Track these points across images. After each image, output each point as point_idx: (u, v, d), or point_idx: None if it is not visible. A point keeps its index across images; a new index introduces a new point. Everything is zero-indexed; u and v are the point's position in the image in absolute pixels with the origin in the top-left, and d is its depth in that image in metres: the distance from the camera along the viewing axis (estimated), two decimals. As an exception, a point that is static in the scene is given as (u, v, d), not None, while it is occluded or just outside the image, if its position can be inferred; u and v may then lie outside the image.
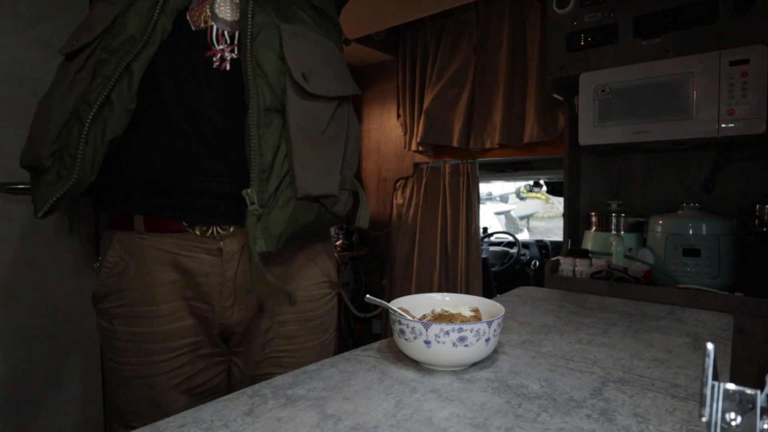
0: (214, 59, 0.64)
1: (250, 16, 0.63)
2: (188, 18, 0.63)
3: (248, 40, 0.62)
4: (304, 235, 0.69)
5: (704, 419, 0.29)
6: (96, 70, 0.59)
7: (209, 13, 0.64)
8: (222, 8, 0.65)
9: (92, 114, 0.57)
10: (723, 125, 1.21)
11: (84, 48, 0.60)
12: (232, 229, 0.67)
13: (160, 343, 0.67)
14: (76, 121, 0.58)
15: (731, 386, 0.28)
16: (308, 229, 0.68)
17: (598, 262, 1.44)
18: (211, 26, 0.64)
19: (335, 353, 0.65)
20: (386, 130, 2.79)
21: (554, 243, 3.26)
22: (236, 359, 0.75)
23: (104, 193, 0.68)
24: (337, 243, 2.63)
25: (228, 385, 0.77)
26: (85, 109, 0.57)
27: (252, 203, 0.61)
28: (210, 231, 0.66)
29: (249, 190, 0.61)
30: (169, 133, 0.64)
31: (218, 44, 0.64)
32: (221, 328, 0.71)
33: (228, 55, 0.65)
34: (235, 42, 0.65)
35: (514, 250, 3.14)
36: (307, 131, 0.65)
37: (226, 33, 0.65)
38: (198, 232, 0.66)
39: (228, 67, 0.65)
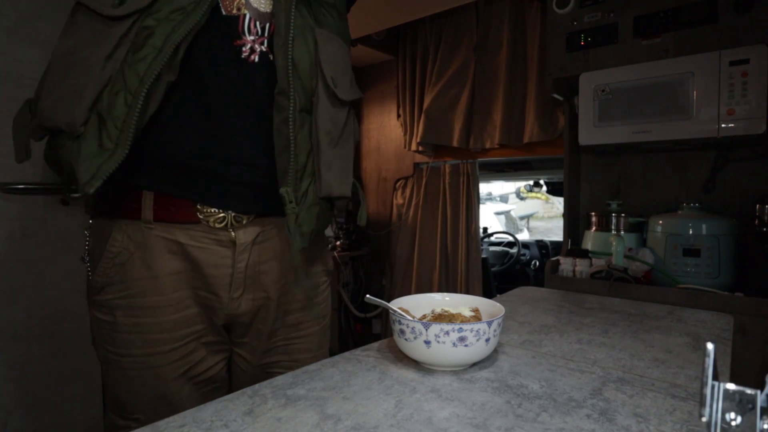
0: (244, 49, 0.63)
1: (292, 18, 0.63)
2: (221, 7, 0.61)
3: (290, 42, 0.62)
4: (321, 232, 0.72)
5: (704, 419, 0.29)
6: (143, 38, 0.56)
7: (243, 1, 0.62)
8: None
9: (147, 88, 0.55)
10: (723, 125, 1.21)
11: (137, 12, 0.56)
12: (245, 221, 0.67)
13: (166, 333, 0.66)
14: (123, 90, 0.55)
15: (731, 386, 0.28)
16: (324, 227, 0.71)
17: (598, 262, 1.44)
18: (244, 14, 0.63)
19: (335, 353, 0.65)
20: (386, 130, 2.79)
21: (554, 243, 3.26)
22: (240, 350, 0.75)
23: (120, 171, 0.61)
24: (338, 243, 2.63)
25: (228, 375, 0.77)
26: (135, 81, 0.55)
27: (290, 201, 0.63)
28: (224, 222, 0.66)
29: (287, 189, 0.62)
30: (206, 115, 0.63)
31: (249, 35, 0.63)
32: (227, 319, 0.71)
33: (257, 47, 0.64)
34: (266, 35, 0.64)
35: (514, 250, 3.14)
36: (331, 134, 0.67)
37: (258, 24, 0.63)
38: (211, 223, 0.65)
39: (257, 60, 0.64)
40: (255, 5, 0.63)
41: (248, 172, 0.65)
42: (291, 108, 0.62)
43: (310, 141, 0.65)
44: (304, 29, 0.65)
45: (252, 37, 0.64)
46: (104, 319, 0.67)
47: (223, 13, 0.61)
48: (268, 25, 0.64)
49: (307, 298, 0.77)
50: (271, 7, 0.64)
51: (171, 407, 0.67)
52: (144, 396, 0.68)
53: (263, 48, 0.64)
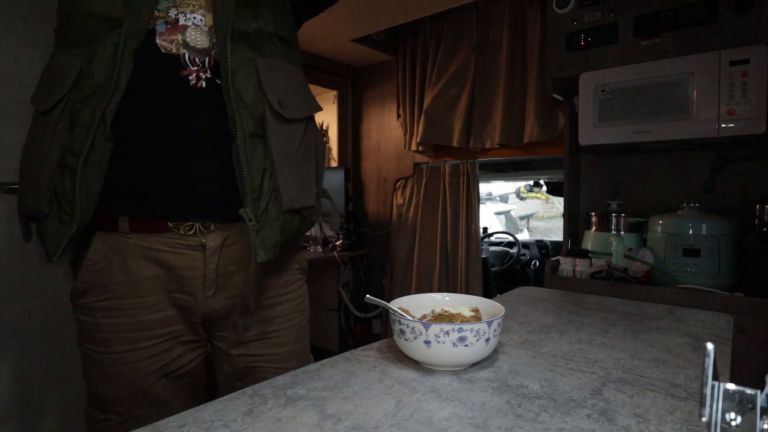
0: (191, 78, 0.69)
1: (229, 54, 0.68)
2: (158, 42, 0.67)
3: (229, 76, 0.68)
4: (292, 241, 0.79)
5: (704, 419, 0.29)
6: (73, 120, 0.64)
7: (181, 41, 0.68)
8: (193, 37, 0.69)
9: (81, 163, 0.63)
10: (723, 125, 1.21)
11: (59, 102, 0.64)
12: (212, 227, 0.73)
13: (145, 331, 0.72)
14: (66, 170, 0.63)
15: (731, 386, 0.28)
16: (294, 236, 0.78)
17: (598, 262, 1.45)
18: (183, 53, 0.69)
19: (335, 353, 0.65)
20: (386, 130, 2.79)
21: (554, 243, 3.26)
22: (219, 343, 0.81)
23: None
24: (338, 243, 2.63)
25: (205, 369, 0.83)
26: (73, 160, 0.63)
27: (250, 220, 0.69)
28: (193, 230, 0.72)
29: (246, 210, 0.69)
30: (165, 142, 0.69)
31: (192, 66, 0.69)
32: (204, 316, 0.76)
33: (203, 75, 0.70)
34: (207, 66, 0.70)
35: (514, 250, 3.14)
36: (285, 151, 0.73)
37: (197, 59, 0.70)
38: (182, 231, 0.71)
39: (204, 85, 0.70)
40: (193, 44, 0.69)
41: (210, 187, 0.72)
42: (240, 135, 0.69)
43: (265, 161, 0.71)
44: (245, 61, 0.70)
45: (195, 68, 0.69)
46: (86, 320, 0.72)
47: (163, 51, 0.67)
48: (207, 59, 0.70)
49: (285, 293, 0.83)
50: (207, 43, 0.70)
51: (150, 400, 0.74)
52: (123, 390, 0.73)
53: (208, 75, 0.70)
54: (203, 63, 0.70)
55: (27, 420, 1.12)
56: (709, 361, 0.29)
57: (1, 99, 1.07)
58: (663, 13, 1.31)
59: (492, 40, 2.20)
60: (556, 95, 1.63)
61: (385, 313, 2.59)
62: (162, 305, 0.72)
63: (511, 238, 3.29)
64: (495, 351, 0.65)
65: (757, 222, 1.29)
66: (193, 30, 0.69)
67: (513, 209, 5.92)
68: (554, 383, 0.54)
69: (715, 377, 0.29)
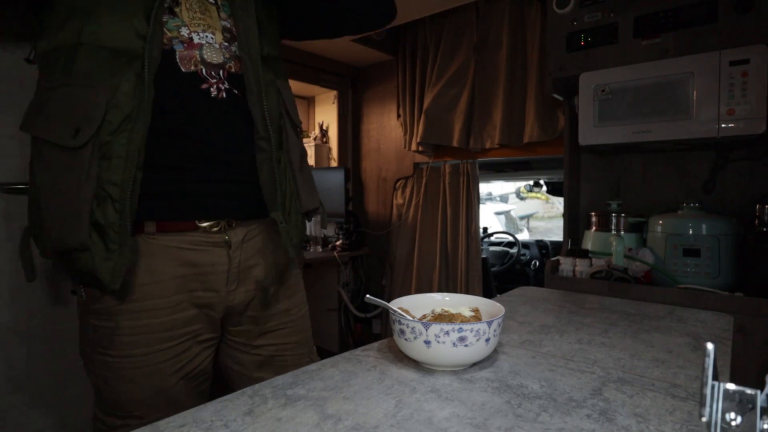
0: (211, 90, 0.74)
1: (261, 77, 0.76)
2: (177, 61, 0.71)
3: (263, 99, 0.76)
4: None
5: (704, 419, 0.29)
6: (105, 152, 0.65)
7: (199, 59, 0.73)
8: (209, 54, 0.75)
9: (128, 194, 0.65)
10: (723, 125, 1.21)
11: (90, 139, 0.65)
12: (234, 224, 0.78)
13: (167, 332, 0.73)
14: (107, 200, 0.65)
15: (731, 386, 0.28)
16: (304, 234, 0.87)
17: (598, 262, 1.45)
18: (201, 69, 0.73)
19: (335, 353, 0.65)
20: (386, 130, 2.79)
21: (554, 243, 3.26)
22: (238, 337, 0.85)
23: None
24: (338, 243, 2.63)
25: (212, 369, 0.85)
26: (115, 190, 0.65)
27: (281, 222, 0.78)
28: (218, 227, 0.76)
29: (277, 213, 0.78)
30: (192, 151, 0.73)
31: (211, 79, 0.74)
32: (225, 311, 0.80)
33: (222, 87, 0.75)
34: (223, 78, 0.76)
35: (514, 250, 3.14)
36: (299, 162, 0.84)
37: (213, 72, 0.75)
38: (207, 229, 0.75)
39: (224, 95, 0.75)
40: (210, 60, 0.74)
41: (233, 188, 0.77)
42: (271, 150, 0.77)
43: (287, 171, 0.81)
44: (269, 83, 0.79)
45: (214, 80, 0.75)
46: (104, 326, 0.72)
47: (183, 70, 0.72)
48: (221, 71, 0.76)
49: (293, 286, 0.91)
50: (221, 59, 0.76)
51: (169, 402, 0.75)
52: (144, 393, 0.73)
53: (226, 86, 0.76)
54: (219, 75, 0.75)
55: (27, 420, 1.12)
56: (709, 361, 0.29)
57: (1, 99, 1.07)
58: (663, 13, 1.31)
59: (492, 40, 2.20)
60: (556, 95, 1.63)
61: (385, 313, 2.59)
62: (183, 305, 0.74)
63: (511, 238, 3.29)
64: (495, 351, 0.65)
65: (757, 222, 1.29)
66: (208, 48, 0.74)
67: (513, 209, 5.91)
68: (554, 383, 0.54)
69: (715, 377, 0.29)
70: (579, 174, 1.76)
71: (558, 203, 5.52)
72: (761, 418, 0.27)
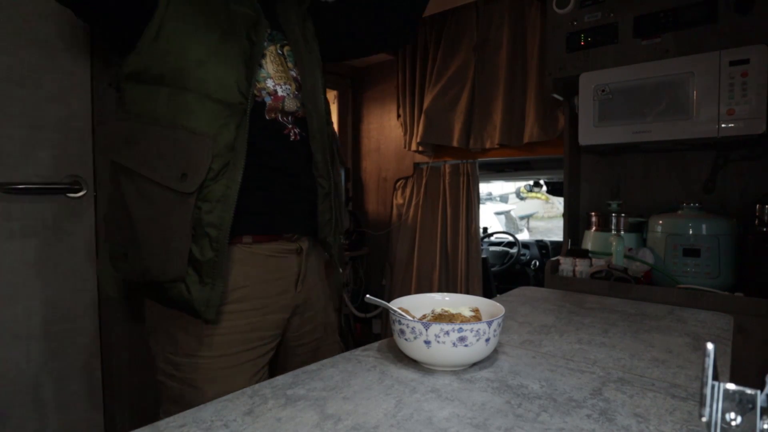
0: (290, 135, 0.86)
1: (326, 125, 0.93)
2: (265, 111, 0.83)
3: (332, 142, 0.95)
4: None
5: (704, 419, 0.29)
6: (206, 196, 0.73)
7: (281, 108, 0.85)
8: (289, 104, 0.86)
9: (226, 236, 0.74)
10: (723, 125, 1.21)
11: (201, 185, 0.73)
12: (302, 237, 0.91)
13: (255, 332, 0.82)
14: (204, 239, 0.73)
15: (731, 386, 0.28)
16: None
17: (598, 262, 1.44)
18: (279, 116, 0.85)
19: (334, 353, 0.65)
20: (386, 130, 2.79)
21: (554, 243, 3.26)
22: (294, 332, 0.94)
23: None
24: (337, 243, 2.63)
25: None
26: (215, 232, 0.74)
27: (331, 245, 0.95)
28: (294, 238, 0.89)
29: (330, 238, 0.94)
30: (276, 180, 0.84)
31: (287, 125, 0.86)
32: (293, 310, 0.91)
33: (296, 131, 0.87)
34: (293, 122, 0.87)
35: (514, 250, 3.14)
36: (342, 192, 1.02)
37: (289, 118, 0.87)
38: (287, 239, 0.88)
39: (298, 138, 0.87)
40: (288, 109, 0.86)
41: (303, 209, 0.90)
42: (328, 186, 0.91)
43: (335, 203, 0.95)
44: (328, 131, 0.93)
45: (290, 125, 0.86)
46: (196, 329, 0.78)
47: (267, 118, 0.83)
48: (291, 117, 0.87)
49: (336, 291, 1.06)
50: (295, 107, 0.87)
51: None
52: (226, 392, 0.79)
53: (297, 130, 0.87)
54: (291, 122, 0.86)
55: (27, 420, 1.12)
56: (709, 361, 0.29)
57: (1, 99, 1.07)
58: (663, 13, 1.31)
59: (492, 40, 2.20)
60: (556, 95, 1.63)
61: (385, 313, 2.58)
62: (270, 308, 0.84)
63: (511, 238, 3.28)
64: (495, 351, 0.65)
65: (757, 222, 1.29)
66: (288, 99, 0.86)
67: (513, 209, 5.91)
68: (554, 383, 0.54)
69: (715, 377, 0.29)
70: (579, 174, 1.76)
71: (558, 203, 5.52)
72: (761, 418, 0.27)
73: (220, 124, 0.73)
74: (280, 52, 0.87)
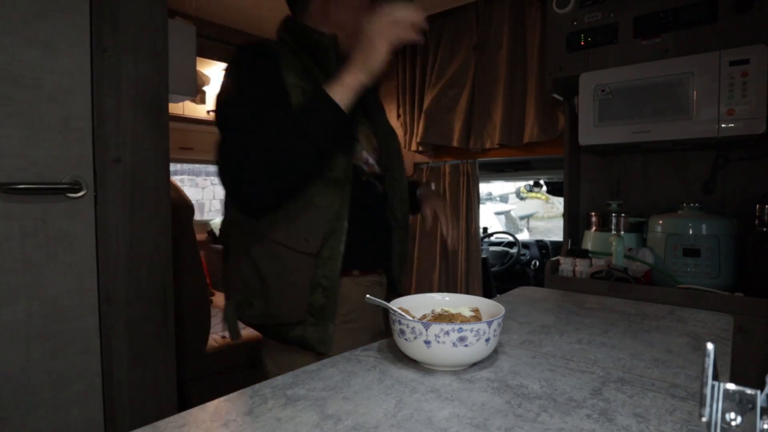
0: (378, 189, 1.00)
1: (404, 189, 1.06)
2: (361, 176, 0.95)
3: (406, 200, 1.07)
4: None
5: (704, 419, 0.29)
6: (319, 253, 0.87)
7: (363, 157, 0.97)
8: (374, 168, 1.00)
9: (336, 286, 0.88)
10: (723, 125, 1.21)
11: (322, 247, 0.87)
12: (382, 271, 1.03)
13: (365, 334, 0.95)
14: (319, 288, 0.88)
15: (731, 386, 0.28)
16: None
17: (598, 262, 1.45)
18: (370, 178, 0.98)
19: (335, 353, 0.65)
20: (386, 130, 2.79)
21: (554, 243, 3.26)
22: None
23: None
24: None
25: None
26: (328, 283, 0.88)
27: (399, 281, 1.07)
28: (379, 272, 1.02)
29: (398, 275, 1.06)
30: (367, 225, 0.96)
31: (377, 183, 1.00)
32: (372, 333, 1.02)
33: (379, 185, 1.00)
34: (377, 180, 1.00)
35: (514, 250, 3.14)
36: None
37: (374, 178, 1.00)
38: (378, 273, 1.01)
39: (381, 191, 1.00)
40: (374, 167, 0.99)
41: (383, 249, 1.03)
42: (403, 236, 1.05)
43: (405, 246, 1.08)
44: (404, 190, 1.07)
45: (377, 183, 1.00)
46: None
47: (363, 179, 0.96)
48: (375, 176, 1.00)
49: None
50: (377, 169, 1.00)
51: None
52: None
53: (380, 186, 1.01)
54: (377, 180, 1.00)
55: (27, 420, 1.12)
56: (709, 361, 0.29)
57: (1, 99, 1.07)
58: (663, 13, 1.31)
59: (492, 40, 2.20)
60: (556, 95, 1.63)
61: (385, 313, 2.58)
62: (362, 330, 0.96)
63: (511, 238, 3.28)
64: (495, 351, 0.65)
65: (757, 222, 1.29)
66: (374, 164, 1.00)
67: (513, 209, 5.92)
68: (554, 383, 0.54)
69: (715, 377, 0.29)
70: (579, 174, 1.76)
71: (558, 203, 5.52)
72: (761, 418, 0.27)
73: (332, 195, 0.88)
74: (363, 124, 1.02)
